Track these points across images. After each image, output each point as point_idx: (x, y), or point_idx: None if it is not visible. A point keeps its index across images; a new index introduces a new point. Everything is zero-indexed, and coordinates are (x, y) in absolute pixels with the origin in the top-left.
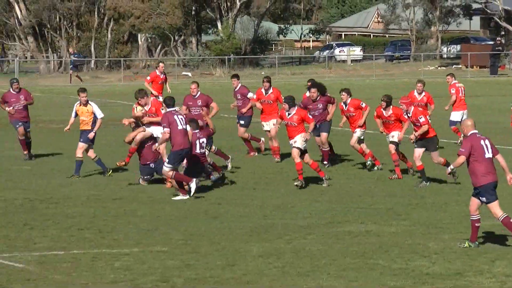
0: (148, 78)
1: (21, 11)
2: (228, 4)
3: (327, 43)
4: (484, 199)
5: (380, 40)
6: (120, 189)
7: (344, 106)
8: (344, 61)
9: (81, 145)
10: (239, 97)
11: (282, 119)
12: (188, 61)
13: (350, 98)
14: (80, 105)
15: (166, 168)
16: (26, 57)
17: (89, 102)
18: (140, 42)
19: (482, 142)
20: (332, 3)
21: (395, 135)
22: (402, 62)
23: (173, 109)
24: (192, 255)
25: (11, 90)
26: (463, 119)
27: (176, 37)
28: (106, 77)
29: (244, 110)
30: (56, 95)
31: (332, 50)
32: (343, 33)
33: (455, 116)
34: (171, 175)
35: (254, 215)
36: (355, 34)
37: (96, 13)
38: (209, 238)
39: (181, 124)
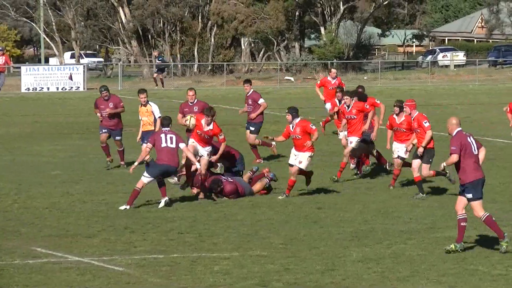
0: (318, 82)
1: (125, 15)
2: (332, 9)
3: (430, 48)
4: (470, 195)
5: (483, 45)
6: None
7: (346, 108)
8: (447, 66)
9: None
10: (250, 102)
11: (288, 135)
12: (290, 66)
13: (353, 101)
14: (140, 106)
15: (143, 178)
16: (130, 61)
17: (149, 102)
18: (243, 47)
19: (468, 139)
20: (436, 8)
21: (400, 150)
22: (506, 67)
23: (166, 129)
24: (292, 260)
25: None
26: None
27: (279, 42)
28: (209, 81)
29: (253, 115)
30: (158, 99)
31: (435, 55)
32: (446, 38)
33: None
34: (140, 186)
35: (355, 220)
36: (458, 39)
37: (199, 18)
38: (309, 243)
39: (165, 142)
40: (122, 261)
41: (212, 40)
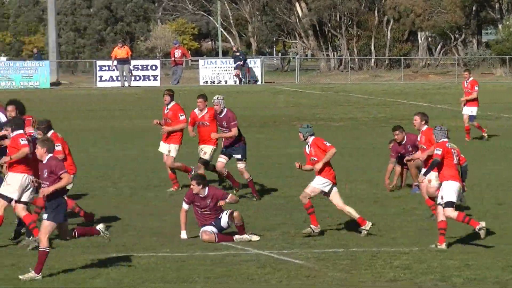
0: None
1: (301, 9)
2: (510, 4)
3: None
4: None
5: None
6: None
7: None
8: None
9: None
10: None
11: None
12: (468, 61)
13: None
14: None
15: None
16: (307, 55)
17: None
18: (420, 41)
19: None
20: None
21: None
22: None
23: None
24: (472, 255)
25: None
26: None
27: (457, 36)
28: (386, 75)
29: None
30: (336, 93)
31: None
32: None
33: None
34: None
35: None
36: None
37: (375, 11)
38: (488, 239)
39: None
40: (302, 255)
41: (389, 34)
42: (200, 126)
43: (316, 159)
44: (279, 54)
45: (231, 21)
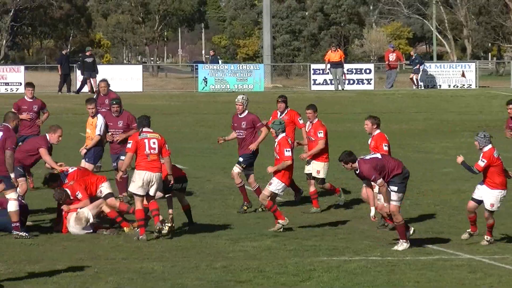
0: None
1: None
2: None
3: None
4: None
5: None
6: None
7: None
8: None
9: None
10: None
11: None
12: None
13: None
14: None
15: None
16: None
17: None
18: None
19: None
20: None
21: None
22: None
23: None
24: None
25: None
26: None
27: None
28: None
29: None
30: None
31: None
32: None
33: None
34: None
35: None
36: None
37: None
38: None
39: None
40: None
41: None
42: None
43: None
44: (494, 58)
45: (446, 25)
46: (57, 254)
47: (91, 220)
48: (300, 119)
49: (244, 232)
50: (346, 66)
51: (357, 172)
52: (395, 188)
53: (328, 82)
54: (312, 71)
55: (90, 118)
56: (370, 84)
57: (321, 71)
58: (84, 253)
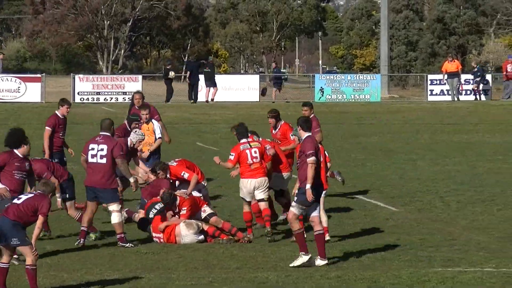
0: None
1: None
2: None
3: None
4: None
5: None
6: None
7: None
8: None
9: None
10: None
11: None
12: None
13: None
14: None
15: None
16: None
17: None
18: None
19: None
20: None
21: None
22: None
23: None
24: None
25: None
26: None
27: None
28: None
29: None
30: None
31: None
32: None
33: None
34: None
35: None
36: None
37: None
38: None
39: None
40: None
41: None
42: None
43: None
44: None
45: None
46: (172, 262)
47: (201, 226)
48: (291, 134)
49: (359, 243)
50: (463, 77)
51: None
52: None
53: (445, 92)
54: (429, 82)
55: (145, 124)
56: (488, 95)
57: (438, 82)
58: (199, 262)
